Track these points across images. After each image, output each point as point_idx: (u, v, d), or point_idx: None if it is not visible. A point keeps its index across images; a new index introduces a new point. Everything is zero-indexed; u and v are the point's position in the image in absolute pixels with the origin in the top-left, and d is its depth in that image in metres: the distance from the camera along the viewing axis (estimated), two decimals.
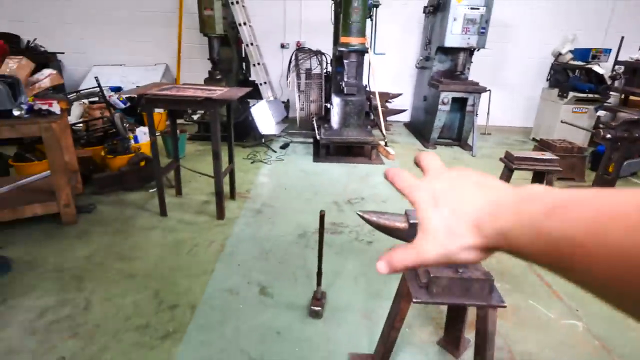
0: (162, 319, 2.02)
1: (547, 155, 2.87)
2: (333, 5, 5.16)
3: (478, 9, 5.23)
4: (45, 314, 2.03)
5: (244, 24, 5.47)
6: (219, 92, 2.92)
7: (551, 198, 0.30)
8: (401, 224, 1.27)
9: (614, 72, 5.28)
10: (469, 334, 1.93)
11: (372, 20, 5.10)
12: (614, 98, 5.87)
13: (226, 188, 3.56)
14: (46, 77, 3.04)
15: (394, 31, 7.01)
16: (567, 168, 4.43)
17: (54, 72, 3.13)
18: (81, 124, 4.22)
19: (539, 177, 2.97)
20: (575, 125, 4.57)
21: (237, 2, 5.36)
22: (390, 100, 7.04)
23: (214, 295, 2.23)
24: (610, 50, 5.75)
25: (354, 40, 4.73)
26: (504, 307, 1.35)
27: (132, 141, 4.17)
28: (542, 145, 4.70)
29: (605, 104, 5.42)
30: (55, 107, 2.74)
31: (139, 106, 5.01)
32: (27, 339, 1.86)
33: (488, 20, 5.35)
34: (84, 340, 1.86)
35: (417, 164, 0.48)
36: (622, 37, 5.58)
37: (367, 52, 4.93)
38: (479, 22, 5.29)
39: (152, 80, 5.96)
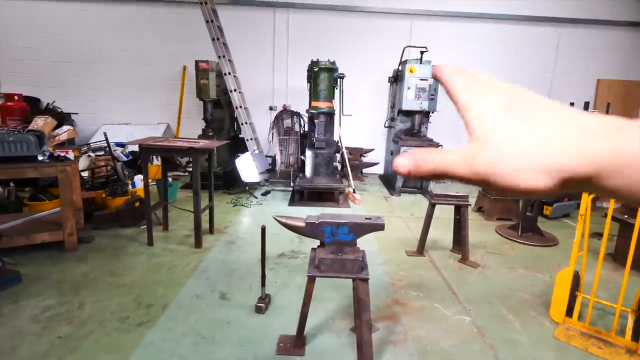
0: (139, 313, 2.57)
1: (460, 193, 3.58)
2: (307, 77, 6.22)
3: (426, 80, 6.30)
4: (48, 310, 2.58)
5: (235, 90, 6.49)
6: (201, 143, 3.71)
7: None
8: (301, 223, 1.96)
9: None
10: (379, 323, 2.48)
11: (338, 88, 6.10)
12: None
13: (207, 225, 4.20)
14: (64, 132, 3.84)
15: (367, 96, 8.14)
16: (504, 209, 5.13)
17: (71, 128, 3.93)
18: (87, 172, 4.95)
19: (457, 210, 3.67)
20: None
21: (229, 73, 6.42)
22: (364, 154, 7.94)
23: (183, 299, 2.79)
24: None
25: (322, 105, 5.70)
26: (367, 279, 1.96)
27: (130, 186, 4.90)
28: (484, 190, 5.43)
29: None
30: (70, 155, 3.49)
31: (139, 159, 5.82)
32: (33, 326, 2.40)
33: (437, 89, 6.39)
34: (77, 326, 2.40)
35: (436, 78, 0.37)
36: None
37: (334, 114, 5.86)
38: (428, 90, 6.33)
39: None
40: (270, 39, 8.00)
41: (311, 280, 2.05)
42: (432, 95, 6.35)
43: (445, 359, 2.26)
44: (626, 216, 3.63)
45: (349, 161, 6.29)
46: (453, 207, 3.70)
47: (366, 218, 2.04)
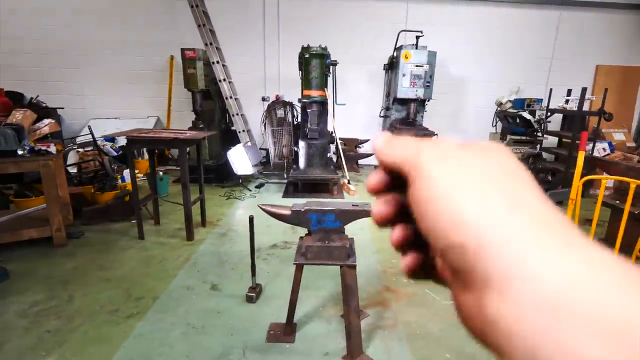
0: (129, 306, 2.55)
1: None
2: (298, 65, 6.14)
3: (422, 66, 6.23)
4: (36, 305, 2.55)
5: (224, 80, 6.40)
6: (187, 134, 3.66)
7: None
8: (286, 211, 1.93)
9: (539, 117, 6.17)
10: (369, 310, 2.48)
11: (331, 76, 6.03)
12: (550, 140, 6.72)
13: (199, 218, 4.18)
14: (46, 125, 3.77)
15: (362, 85, 8.07)
16: None
17: (52, 121, 3.87)
18: (75, 166, 4.88)
19: None
20: None
21: (218, 62, 6.32)
22: (359, 145, 7.91)
23: (173, 290, 2.77)
24: (542, 99, 6.72)
25: (314, 93, 5.64)
26: (354, 265, 1.95)
27: (120, 180, 4.85)
28: None
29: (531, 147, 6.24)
30: (52, 149, 3.43)
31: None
32: (20, 320, 2.38)
33: (432, 76, 6.33)
34: (65, 320, 2.38)
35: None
36: (551, 89, 6.61)
37: (327, 103, 5.81)
38: (424, 77, 6.26)
39: None
40: (261, 26, 7.85)
41: (298, 268, 2.03)
42: (428, 82, 6.28)
43: (434, 342, 2.26)
44: (617, 202, 3.63)
45: (343, 152, 6.25)
46: None
47: (353, 205, 2.02)
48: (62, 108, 7.60)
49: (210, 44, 6.23)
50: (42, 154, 3.38)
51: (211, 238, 3.88)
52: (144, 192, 4.69)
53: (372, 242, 3.83)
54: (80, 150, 5.70)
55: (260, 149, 7.42)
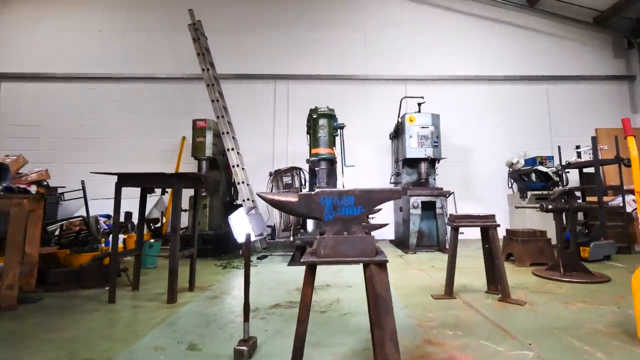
0: None
1: (484, 213, 2.99)
2: (307, 128, 6.03)
3: (428, 127, 6.11)
4: None
5: (232, 149, 6.25)
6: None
7: None
8: (293, 198, 1.41)
9: (556, 169, 5.84)
10: None
11: (339, 137, 5.86)
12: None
13: (186, 285, 3.50)
14: (35, 173, 3.40)
15: (370, 157, 8.00)
16: (536, 252, 4.41)
17: (44, 169, 3.50)
18: (57, 228, 4.37)
19: (485, 236, 3.03)
20: (524, 207, 4.84)
21: (228, 133, 6.26)
22: (371, 216, 7.37)
23: (137, 351, 2.01)
24: (552, 157, 6.51)
25: (323, 151, 5.39)
26: (385, 261, 1.31)
27: (103, 244, 4.27)
28: (509, 234, 4.79)
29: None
30: (32, 189, 2.99)
31: (125, 222, 5.29)
32: None
33: (439, 136, 6.17)
34: None
35: None
36: (559, 146, 6.43)
37: (335, 161, 5.51)
38: (431, 137, 6.09)
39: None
40: (271, 109, 8.14)
41: (308, 272, 1.39)
42: (435, 142, 6.09)
43: None
44: None
45: None
46: (481, 247, 3.06)
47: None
48: (64, 187, 7.39)
49: (222, 116, 6.28)
50: (19, 191, 2.93)
51: (198, 300, 3.14)
52: (130, 265, 4.00)
53: (398, 298, 3.06)
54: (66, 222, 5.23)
55: (267, 226, 6.91)
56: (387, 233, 7.45)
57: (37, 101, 8.01)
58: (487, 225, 2.97)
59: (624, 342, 2.07)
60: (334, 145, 5.60)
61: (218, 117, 6.30)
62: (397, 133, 6.81)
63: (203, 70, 6.49)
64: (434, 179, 6.42)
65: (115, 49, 8.22)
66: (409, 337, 2.16)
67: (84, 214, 4.60)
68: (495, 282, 3.07)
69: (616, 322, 2.41)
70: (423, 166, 6.15)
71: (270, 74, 8.13)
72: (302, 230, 5.42)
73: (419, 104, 6.45)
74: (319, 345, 2.07)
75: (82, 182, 4.44)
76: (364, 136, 7.98)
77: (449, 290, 3.08)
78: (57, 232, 4.33)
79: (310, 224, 5.35)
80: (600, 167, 6.75)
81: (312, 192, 1.44)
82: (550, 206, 3.63)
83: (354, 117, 7.84)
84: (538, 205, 3.91)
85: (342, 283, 3.68)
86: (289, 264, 4.96)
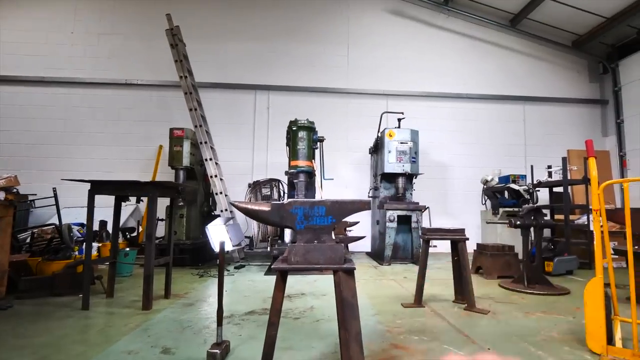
0: None
1: (454, 227, 3.16)
2: (286, 140, 6.13)
3: (406, 143, 6.33)
4: None
5: (210, 159, 6.27)
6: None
7: None
8: (266, 207, 1.51)
9: (527, 187, 6.15)
10: None
11: (318, 150, 5.99)
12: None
13: (162, 292, 3.50)
14: (3, 179, 3.34)
15: (349, 172, 8.13)
16: (504, 266, 4.63)
17: (12, 175, 3.45)
18: (28, 236, 4.28)
19: (454, 245, 3.19)
20: (495, 222, 5.09)
21: (206, 142, 6.29)
22: (349, 229, 7.50)
23: (110, 355, 2.04)
24: (525, 175, 6.83)
25: (302, 163, 5.50)
26: (353, 269, 1.42)
27: (77, 252, 4.22)
28: (479, 248, 5.00)
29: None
30: (1, 195, 2.97)
31: (99, 230, 5.22)
32: None
33: (417, 152, 6.41)
34: None
35: None
36: (532, 165, 6.78)
37: (314, 174, 5.63)
38: (409, 153, 6.31)
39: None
40: (251, 119, 8.17)
41: (279, 278, 1.48)
42: (414, 158, 6.31)
43: None
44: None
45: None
46: (450, 261, 3.23)
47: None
48: (35, 194, 7.17)
49: (200, 126, 6.31)
50: None
51: (174, 307, 3.16)
52: (104, 274, 3.96)
53: (370, 307, 3.18)
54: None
55: (245, 236, 6.91)
56: (364, 246, 7.59)
57: (6, 105, 7.78)
58: (456, 239, 3.14)
59: (574, 348, 2.24)
60: (314, 158, 5.73)
61: (196, 126, 6.32)
62: (377, 148, 7.01)
63: (181, 77, 6.51)
64: (411, 194, 6.63)
65: (88, 52, 8.02)
66: (377, 341, 2.26)
67: (57, 222, 4.54)
68: (463, 292, 3.23)
69: (570, 330, 2.59)
70: (401, 181, 6.35)
71: (251, 84, 8.15)
72: (279, 241, 5.48)
73: (399, 120, 6.68)
74: (291, 348, 2.15)
75: (54, 190, 4.38)
76: (344, 150, 8.15)
77: (419, 299, 3.21)
78: (28, 240, 4.23)
79: (287, 235, 5.42)
80: (569, 187, 7.18)
81: (285, 202, 1.55)
82: (518, 222, 3.85)
83: (335, 130, 7.98)
84: (507, 221, 4.13)
85: (317, 292, 3.77)
86: (265, 274, 5.01)
